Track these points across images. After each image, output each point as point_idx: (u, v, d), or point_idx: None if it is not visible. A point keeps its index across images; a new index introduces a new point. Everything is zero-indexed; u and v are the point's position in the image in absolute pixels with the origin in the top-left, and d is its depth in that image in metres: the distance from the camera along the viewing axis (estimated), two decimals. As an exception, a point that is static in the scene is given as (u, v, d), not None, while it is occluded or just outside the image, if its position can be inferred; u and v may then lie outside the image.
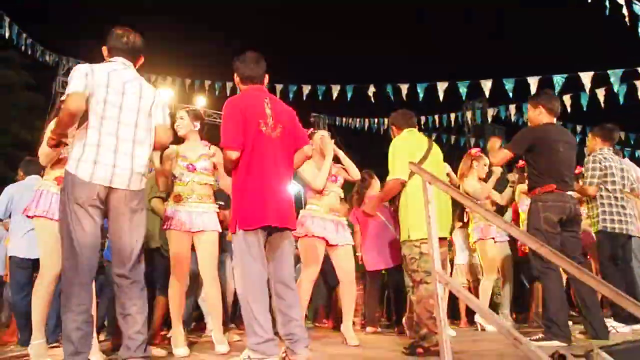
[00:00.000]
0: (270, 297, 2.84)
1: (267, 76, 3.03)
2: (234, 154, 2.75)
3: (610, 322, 3.99)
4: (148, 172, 2.76)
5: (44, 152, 3.04)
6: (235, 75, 3.01)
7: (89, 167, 2.45)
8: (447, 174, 4.82)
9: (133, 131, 2.60)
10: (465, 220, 5.65)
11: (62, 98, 2.52)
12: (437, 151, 3.51)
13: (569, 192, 3.57)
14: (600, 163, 4.17)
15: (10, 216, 4.40)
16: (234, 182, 2.84)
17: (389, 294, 5.46)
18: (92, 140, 2.48)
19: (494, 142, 3.95)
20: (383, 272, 5.29)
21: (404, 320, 4.23)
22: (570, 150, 3.66)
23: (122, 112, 2.57)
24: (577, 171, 4.41)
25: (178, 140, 3.79)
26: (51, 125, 2.94)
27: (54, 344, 3.95)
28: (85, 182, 2.44)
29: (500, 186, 5.35)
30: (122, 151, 2.54)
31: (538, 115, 3.71)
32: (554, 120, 3.75)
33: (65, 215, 2.46)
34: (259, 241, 2.75)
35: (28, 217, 3.12)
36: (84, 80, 2.46)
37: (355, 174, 4.13)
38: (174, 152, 3.61)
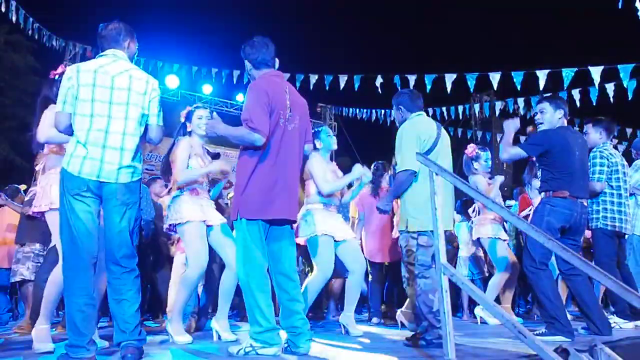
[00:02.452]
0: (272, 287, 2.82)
1: (277, 60, 2.96)
2: (262, 140, 2.68)
3: (612, 319, 3.98)
4: (141, 164, 2.75)
5: (55, 135, 2.93)
6: (247, 61, 2.93)
7: (78, 162, 2.56)
8: None
9: (124, 124, 2.65)
10: (472, 212, 5.62)
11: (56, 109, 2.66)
12: (446, 138, 3.32)
13: (581, 200, 3.51)
14: (608, 159, 4.11)
15: None
16: (245, 170, 2.78)
17: (390, 287, 5.43)
18: (82, 137, 2.59)
19: (510, 125, 3.68)
20: (386, 264, 5.27)
21: (397, 313, 4.17)
22: (584, 153, 3.63)
23: (111, 107, 2.63)
24: None
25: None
26: (47, 114, 2.98)
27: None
28: (75, 176, 2.56)
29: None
30: (111, 146, 2.60)
31: (558, 119, 3.63)
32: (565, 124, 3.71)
33: (62, 206, 2.59)
34: (260, 231, 2.75)
35: (34, 213, 3.05)
36: (63, 97, 2.61)
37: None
38: (191, 142, 3.62)
